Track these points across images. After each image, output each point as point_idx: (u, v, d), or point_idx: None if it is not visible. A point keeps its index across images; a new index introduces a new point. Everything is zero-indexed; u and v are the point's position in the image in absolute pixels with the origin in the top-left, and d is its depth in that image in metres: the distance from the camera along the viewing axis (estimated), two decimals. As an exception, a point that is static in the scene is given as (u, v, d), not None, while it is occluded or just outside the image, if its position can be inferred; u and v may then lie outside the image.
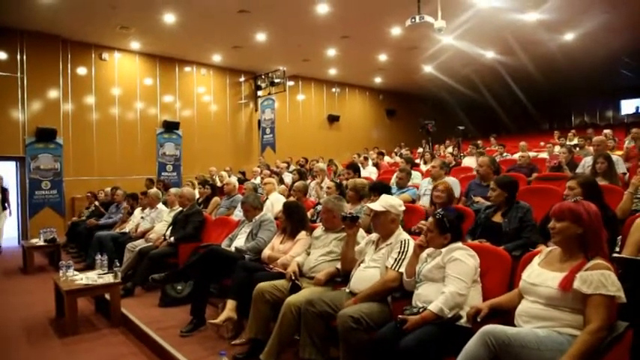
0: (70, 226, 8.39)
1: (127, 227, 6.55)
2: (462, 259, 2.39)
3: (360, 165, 7.39)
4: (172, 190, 6.34)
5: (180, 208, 5.66)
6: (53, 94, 9.95)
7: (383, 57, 12.77)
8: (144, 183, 9.10)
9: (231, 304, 3.34)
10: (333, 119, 15.71)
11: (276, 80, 12.83)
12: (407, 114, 17.65)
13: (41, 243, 6.91)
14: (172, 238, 5.16)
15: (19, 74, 9.51)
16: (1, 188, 8.65)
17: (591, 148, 6.88)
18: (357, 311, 2.51)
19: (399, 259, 2.73)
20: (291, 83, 14.24)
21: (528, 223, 3.09)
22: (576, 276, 1.89)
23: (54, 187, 9.91)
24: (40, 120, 9.69)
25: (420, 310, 2.28)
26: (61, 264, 4.46)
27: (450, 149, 11.65)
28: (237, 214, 5.78)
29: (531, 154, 8.36)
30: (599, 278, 1.84)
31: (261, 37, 10.48)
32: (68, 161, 10.17)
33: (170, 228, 5.46)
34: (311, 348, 2.67)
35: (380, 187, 4.41)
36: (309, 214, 4.85)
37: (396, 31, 10.30)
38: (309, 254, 3.43)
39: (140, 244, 5.58)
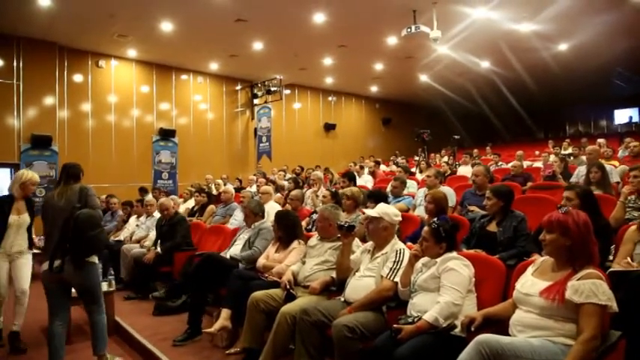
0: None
1: (122, 235, 6.52)
2: (456, 269, 2.39)
3: (356, 173, 7.40)
4: (148, 198, 6.38)
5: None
6: (49, 101, 9.93)
7: (379, 66, 12.86)
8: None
9: (225, 313, 3.32)
10: (329, 128, 15.76)
11: (273, 89, 12.86)
12: (403, 123, 17.72)
13: (35, 250, 6.85)
14: (159, 249, 5.18)
15: (15, 81, 9.49)
16: None
17: (584, 157, 6.93)
18: (352, 320, 2.50)
19: (395, 269, 2.73)
20: (287, 92, 14.28)
21: (523, 232, 3.10)
22: (568, 285, 1.90)
23: (48, 195, 9.85)
24: (35, 127, 9.66)
25: (415, 319, 2.28)
26: (55, 272, 4.41)
27: (445, 158, 11.69)
28: (233, 222, 5.78)
29: (526, 163, 8.40)
30: (590, 287, 1.85)
31: (258, 45, 10.54)
32: (63, 168, 10.12)
33: (158, 240, 5.41)
34: (306, 357, 2.66)
35: (377, 195, 4.43)
36: (304, 222, 4.85)
37: (392, 40, 10.38)
38: (304, 263, 3.42)
39: (135, 247, 5.61)
